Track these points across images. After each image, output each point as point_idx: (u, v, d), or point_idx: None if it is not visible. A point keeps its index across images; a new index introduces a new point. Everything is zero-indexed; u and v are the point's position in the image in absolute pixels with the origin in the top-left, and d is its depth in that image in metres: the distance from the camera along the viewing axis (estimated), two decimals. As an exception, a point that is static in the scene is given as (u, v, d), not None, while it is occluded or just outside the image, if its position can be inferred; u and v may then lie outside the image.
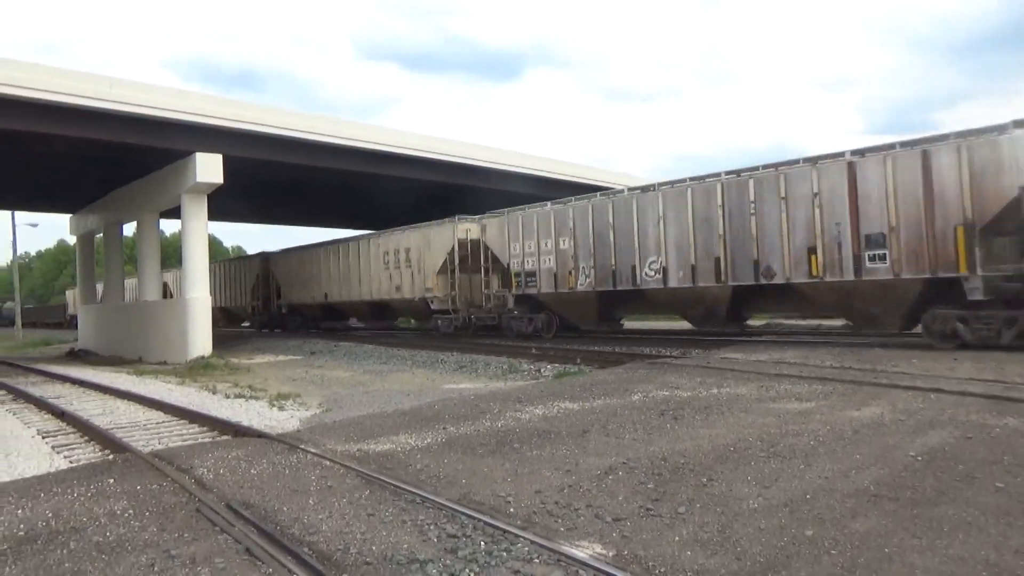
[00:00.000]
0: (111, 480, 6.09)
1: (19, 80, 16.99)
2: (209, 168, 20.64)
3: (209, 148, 20.72)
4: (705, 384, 10.00)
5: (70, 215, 32.92)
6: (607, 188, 33.06)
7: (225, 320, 38.11)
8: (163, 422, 10.22)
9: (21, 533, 4.78)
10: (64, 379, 16.99)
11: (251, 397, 12.79)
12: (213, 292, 35.84)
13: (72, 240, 38.14)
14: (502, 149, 29.15)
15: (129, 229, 32.65)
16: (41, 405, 12.07)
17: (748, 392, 9.15)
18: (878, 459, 5.69)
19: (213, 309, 36.68)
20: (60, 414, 10.86)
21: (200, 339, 21.26)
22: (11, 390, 14.62)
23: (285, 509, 5.06)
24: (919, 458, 5.63)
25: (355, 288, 26.82)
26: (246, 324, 37.74)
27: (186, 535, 4.60)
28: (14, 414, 11.64)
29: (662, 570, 3.81)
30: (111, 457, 7.64)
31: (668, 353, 14.53)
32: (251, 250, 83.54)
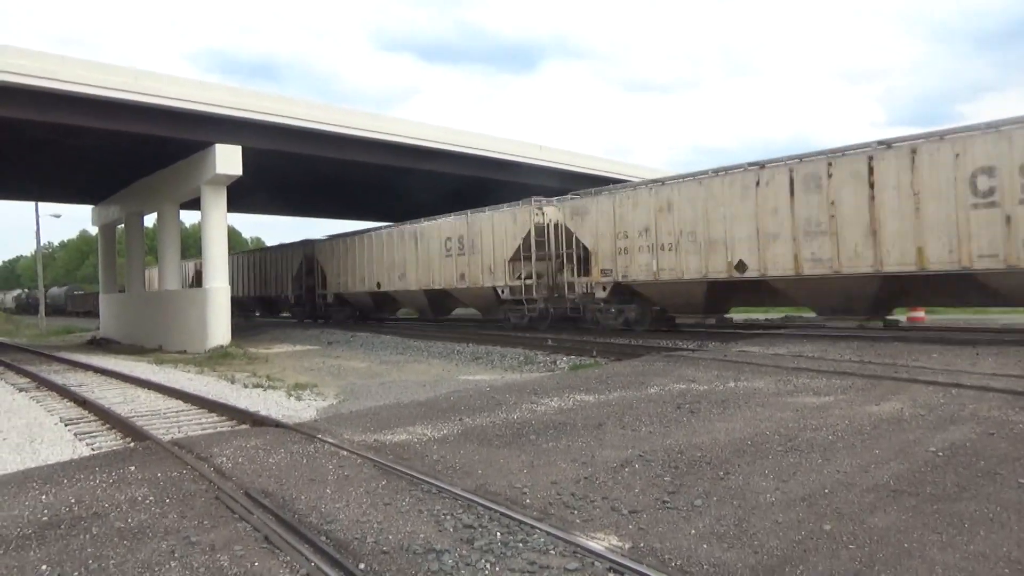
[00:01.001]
0: (132, 467, 6.17)
1: (52, 72, 17.19)
2: (228, 160, 20.77)
3: (229, 139, 20.85)
4: (722, 377, 9.95)
5: (92, 206, 33.28)
6: (628, 181, 33.00)
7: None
8: (182, 411, 10.33)
9: (45, 518, 4.86)
10: (86, 367, 17.21)
11: (269, 387, 12.88)
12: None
13: (94, 231, 38.53)
14: (527, 142, 29.04)
15: (151, 220, 33.05)
16: (64, 393, 12.24)
17: (765, 386, 9.09)
18: (898, 454, 5.64)
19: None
20: (82, 402, 11.02)
21: (219, 328, 21.45)
22: (35, 378, 14.84)
23: (303, 498, 5.11)
24: (939, 454, 5.58)
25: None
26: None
27: (206, 522, 4.65)
28: (38, 402, 11.81)
29: (678, 563, 3.80)
30: (132, 445, 7.74)
31: (685, 346, 14.46)
32: (270, 242, 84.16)
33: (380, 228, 27.22)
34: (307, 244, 32.24)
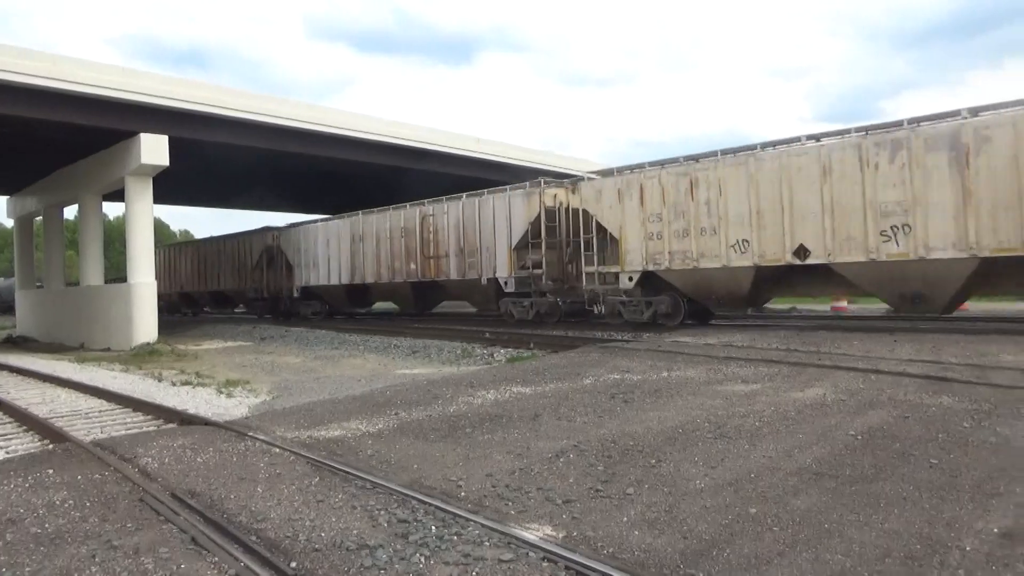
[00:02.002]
0: (50, 470, 5.91)
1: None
2: (154, 149, 20.07)
3: (155, 129, 20.14)
4: (655, 367, 10.15)
5: (7, 197, 31.65)
6: (563, 174, 33.33)
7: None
8: (106, 410, 9.95)
9: (-47, 526, 4.61)
10: (1, 367, 16.39)
11: (198, 384, 12.53)
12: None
13: (10, 223, 36.71)
14: (454, 132, 28.95)
15: (72, 212, 31.66)
16: (-24, 394, 11.62)
17: (697, 375, 9.32)
18: (819, 438, 5.86)
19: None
20: (-4, 403, 10.49)
21: (145, 325, 20.74)
22: (-56, 379, 14.06)
23: (232, 497, 4.98)
24: (858, 437, 5.82)
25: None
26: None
27: (129, 525, 4.49)
28: (-53, 404, 11.18)
29: (610, 550, 3.86)
30: (51, 447, 7.42)
31: (620, 337, 14.69)
32: (200, 234, 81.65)
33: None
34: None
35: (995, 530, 3.83)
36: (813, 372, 9.01)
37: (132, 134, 20.01)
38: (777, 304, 23.63)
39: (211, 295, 34.24)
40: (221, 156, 23.94)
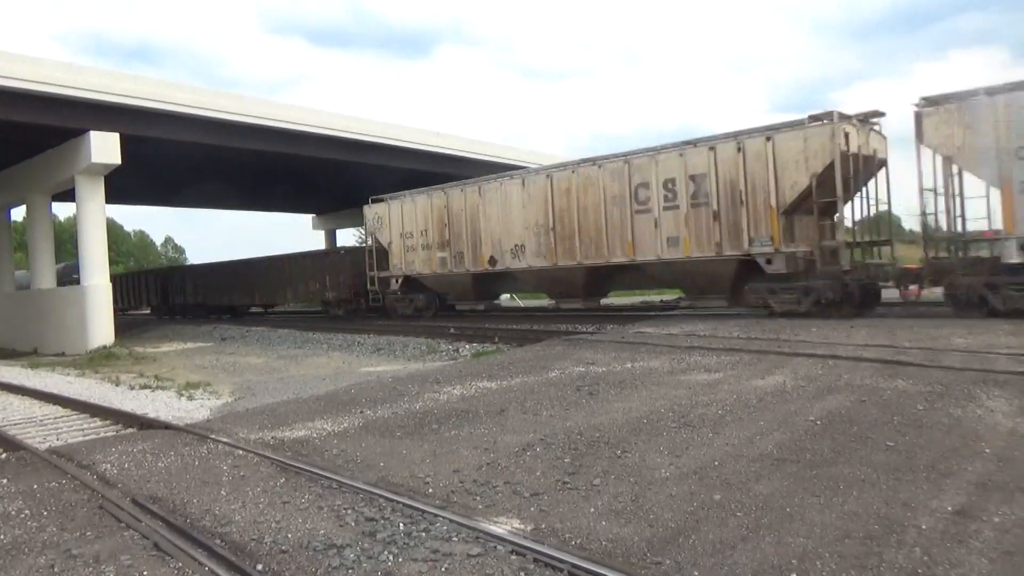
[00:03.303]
0: (4, 480, 5.76)
1: None
2: (105, 147, 19.50)
3: (106, 126, 19.57)
4: (620, 359, 10.24)
5: (-51, 199, 30.53)
6: (519, 167, 33.39)
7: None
8: (61, 417, 9.69)
9: (-98, 541, 4.46)
10: (-51, 375, 15.85)
11: (158, 387, 12.27)
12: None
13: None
14: (407, 126, 28.73)
15: (19, 214, 30.69)
16: (-77, 404, 11.23)
17: (661, 365, 9.42)
18: (781, 425, 5.97)
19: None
20: (-55, 413, 10.15)
21: (101, 328, 20.22)
22: None
23: (195, 501, 4.91)
24: (818, 422, 5.94)
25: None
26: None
27: (88, 533, 4.39)
28: None
29: (578, 541, 3.89)
30: (4, 456, 7.19)
31: (584, 329, 14.77)
32: (157, 235, 79.87)
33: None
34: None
35: (949, 508, 3.95)
36: (774, 359, 9.17)
37: (81, 131, 19.44)
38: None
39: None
40: (171, 153, 23.40)
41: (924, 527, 3.74)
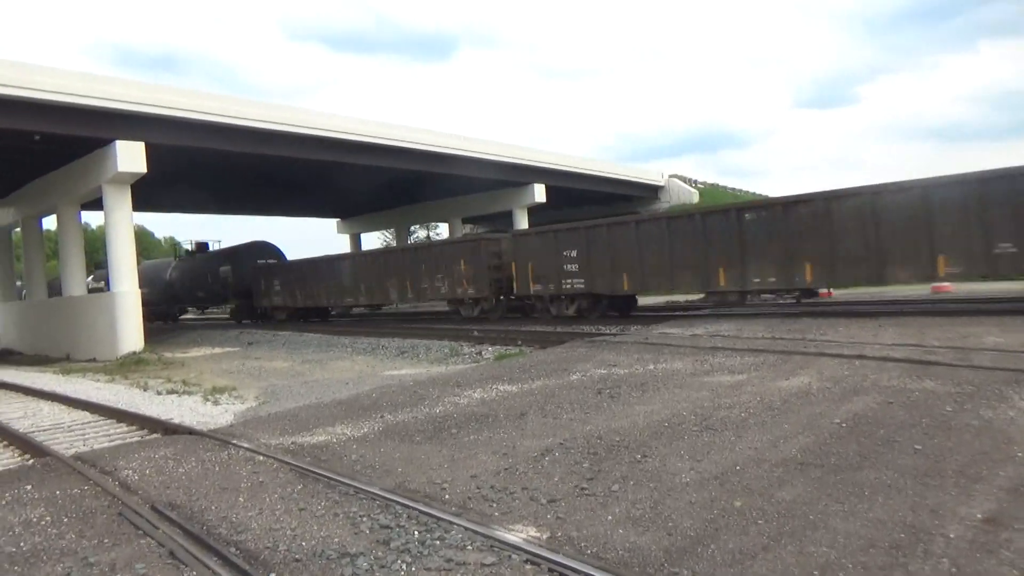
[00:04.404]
0: (28, 486, 5.82)
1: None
2: (131, 157, 19.80)
3: (131, 136, 19.87)
4: (642, 360, 10.13)
5: (-16, 209, 31.23)
6: (547, 170, 33.48)
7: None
8: (89, 422, 9.82)
9: (-73, 549, 4.52)
10: (-17, 382, 16.18)
11: (184, 392, 12.40)
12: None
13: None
14: (432, 130, 28.88)
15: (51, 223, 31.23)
16: (-43, 410, 11.46)
17: (683, 367, 9.30)
18: (805, 428, 5.84)
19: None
20: (-23, 419, 10.33)
21: (130, 334, 20.52)
22: (-76, 396, 13.85)
23: (213, 508, 4.91)
24: (843, 425, 5.81)
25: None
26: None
27: (106, 541, 4.41)
28: (-73, 421, 11.02)
29: (594, 550, 3.82)
30: (31, 462, 7.30)
31: (608, 331, 14.67)
32: (185, 240, 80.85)
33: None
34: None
35: (978, 516, 3.82)
36: (799, 360, 9.01)
37: (107, 141, 19.75)
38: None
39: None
40: (195, 161, 23.71)
41: (952, 536, 3.61)
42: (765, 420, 6.20)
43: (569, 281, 18.66)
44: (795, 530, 3.86)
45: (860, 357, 8.69)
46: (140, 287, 22.25)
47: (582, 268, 18.20)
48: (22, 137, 18.94)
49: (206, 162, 24.24)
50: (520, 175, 32.84)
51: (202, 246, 36.03)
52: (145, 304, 34.68)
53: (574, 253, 18.46)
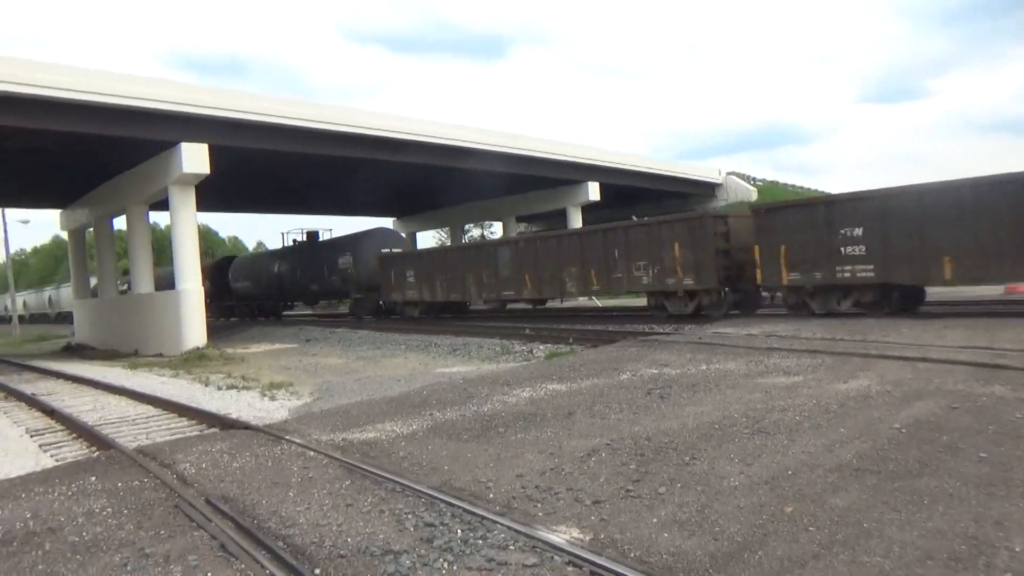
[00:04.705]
0: (93, 478, 6.05)
1: (2, 75, 16.77)
2: (195, 158, 20.43)
3: (195, 138, 20.50)
4: (695, 360, 9.96)
5: (60, 210, 32.69)
6: (600, 168, 33.25)
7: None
8: (153, 416, 10.17)
9: (-2, 535, 4.74)
10: (57, 375, 16.93)
11: (243, 388, 12.73)
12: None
13: (64, 235, 37.85)
14: (490, 130, 28.99)
15: (121, 223, 32.50)
16: (32, 403, 12.01)
17: (737, 367, 9.10)
18: (863, 432, 5.65)
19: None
20: (50, 412, 10.81)
21: (194, 330, 21.18)
22: (2, 388, 14.56)
23: (264, 502, 5.02)
24: (903, 430, 5.59)
25: None
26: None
27: (162, 532, 4.55)
28: (5, 413, 11.58)
29: (637, 553, 3.77)
30: (96, 454, 7.59)
31: (661, 330, 14.48)
32: (248, 240, 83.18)
33: None
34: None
35: (1047, 528, 3.63)
36: (858, 362, 8.72)
37: (173, 144, 20.44)
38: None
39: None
40: (256, 161, 24.35)
41: (1018, 549, 3.43)
42: (820, 424, 6.02)
43: (848, 268, 14.11)
44: (848, 538, 3.73)
45: (924, 360, 8.36)
46: (242, 281, 22.64)
47: (871, 251, 13.65)
48: (92, 140, 19.75)
49: (264, 162, 24.84)
50: (575, 173, 32.69)
51: (313, 235, 33.18)
52: (246, 298, 34.51)
53: (859, 231, 13.93)
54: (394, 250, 27.24)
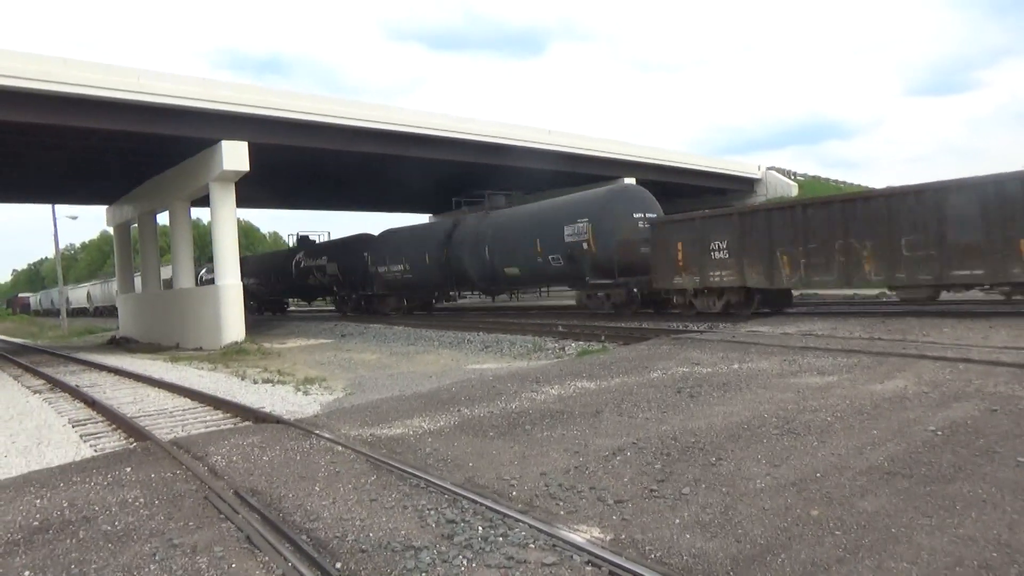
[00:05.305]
0: (128, 469, 6.20)
1: (50, 75, 17.25)
2: (235, 155, 20.81)
3: (235, 135, 20.88)
4: (727, 359, 9.83)
5: (106, 206, 33.58)
6: (638, 163, 33.02)
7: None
8: (189, 409, 10.39)
9: (36, 523, 4.89)
10: (101, 367, 17.40)
11: (278, 382, 12.93)
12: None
13: (111, 230, 38.83)
14: (527, 126, 28.96)
15: (164, 219, 33.26)
16: (76, 394, 12.36)
17: (770, 367, 8.96)
18: (896, 434, 5.52)
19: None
20: (91, 403, 11.11)
21: (233, 324, 21.58)
22: (50, 380, 15.02)
23: (290, 496, 5.09)
24: (939, 433, 5.44)
25: None
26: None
27: (191, 523, 4.65)
28: (50, 404, 11.94)
29: (658, 554, 3.73)
30: (133, 445, 7.79)
31: (694, 328, 14.32)
32: (286, 235, 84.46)
33: None
34: None
35: (1084, 537, 3.50)
36: (896, 362, 8.51)
37: (214, 141, 20.84)
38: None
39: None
40: (295, 158, 24.68)
41: (1052, 558, 3.32)
42: (852, 425, 5.89)
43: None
44: (875, 543, 3.64)
45: (965, 360, 8.12)
46: (399, 265, 19.87)
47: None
48: (137, 138, 20.23)
49: (303, 159, 25.16)
50: (610, 169, 32.48)
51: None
52: (406, 287, 26.65)
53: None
54: (648, 215, 19.20)
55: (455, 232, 24.58)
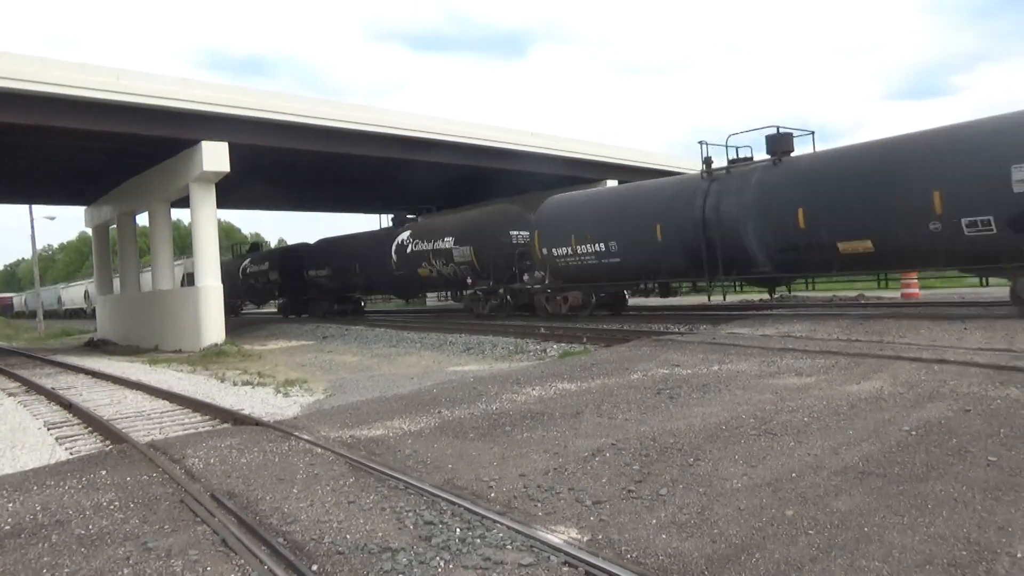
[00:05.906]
0: (103, 472, 6.13)
1: (27, 74, 17.05)
2: (215, 156, 20.64)
3: (215, 136, 20.71)
4: (707, 361, 9.89)
5: (85, 207, 33.19)
6: (642, 168, 33.21)
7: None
8: (167, 411, 10.29)
9: (7, 527, 4.82)
10: (78, 370, 17.19)
11: (258, 384, 12.84)
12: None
13: (89, 231, 38.38)
14: (522, 130, 28.98)
15: (143, 220, 32.91)
16: (52, 397, 12.20)
17: (749, 368, 9.03)
18: (871, 435, 5.58)
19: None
20: (68, 405, 10.98)
21: (213, 326, 21.40)
22: (25, 382, 14.82)
23: (268, 498, 5.06)
24: (913, 433, 5.51)
25: None
26: None
27: (166, 527, 4.61)
28: (25, 406, 11.78)
29: (634, 555, 3.75)
30: (109, 448, 7.70)
31: (676, 329, 14.39)
32: (271, 237, 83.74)
33: None
34: None
35: (1051, 535, 3.56)
36: (872, 363, 8.61)
37: (194, 142, 20.67)
38: (846, 291, 22.87)
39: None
40: (278, 160, 24.55)
41: (1020, 555, 3.38)
42: (829, 425, 5.95)
43: None
44: (847, 542, 3.68)
45: (940, 361, 8.23)
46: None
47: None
48: (116, 139, 20.03)
49: (282, 160, 25.01)
50: (591, 171, 32.60)
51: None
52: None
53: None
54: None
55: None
